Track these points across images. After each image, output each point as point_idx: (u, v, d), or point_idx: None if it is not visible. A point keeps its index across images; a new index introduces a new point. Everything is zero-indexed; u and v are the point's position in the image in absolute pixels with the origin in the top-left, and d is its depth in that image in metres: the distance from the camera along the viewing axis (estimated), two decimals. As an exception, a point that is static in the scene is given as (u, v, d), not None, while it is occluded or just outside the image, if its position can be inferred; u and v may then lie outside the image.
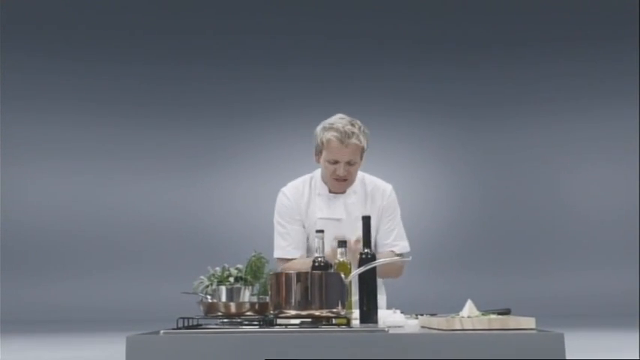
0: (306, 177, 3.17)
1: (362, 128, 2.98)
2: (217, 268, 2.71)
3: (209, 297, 2.60)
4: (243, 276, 2.67)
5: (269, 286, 2.40)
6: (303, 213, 3.09)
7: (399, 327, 2.55)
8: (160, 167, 14.72)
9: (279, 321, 2.34)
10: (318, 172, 3.17)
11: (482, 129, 15.28)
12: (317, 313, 2.30)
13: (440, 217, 17.14)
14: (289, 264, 3.07)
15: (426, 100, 14.46)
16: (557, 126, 15.21)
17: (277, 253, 3.11)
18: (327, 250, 2.78)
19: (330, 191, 3.11)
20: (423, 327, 2.52)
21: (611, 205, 16.87)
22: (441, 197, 16.31)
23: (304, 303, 2.30)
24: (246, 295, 2.62)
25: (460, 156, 15.39)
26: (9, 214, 16.05)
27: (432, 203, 16.32)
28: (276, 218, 3.15)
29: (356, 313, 2.58)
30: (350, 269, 2.63)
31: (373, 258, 2.66)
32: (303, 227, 3.10)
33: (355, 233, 3.01)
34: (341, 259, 2.65)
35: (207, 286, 2.64)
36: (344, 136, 2.92)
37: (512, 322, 2.34)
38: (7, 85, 13.53)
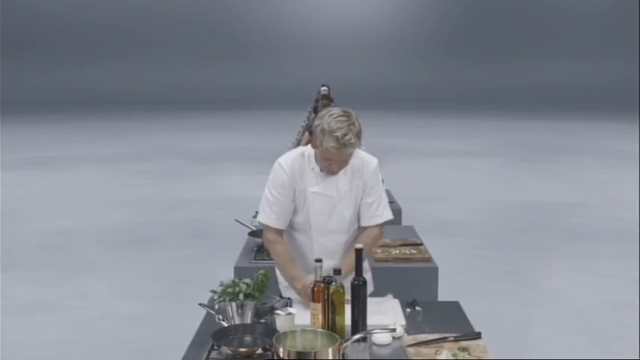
0: (301, 150, 3.35)
1: (358, 132, 3.11)
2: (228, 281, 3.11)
3: (221, 317, 3.05)
4: (251, 292, 3.07)
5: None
6: (298, 184, 3.33)
7: (385, 345, 3.00)
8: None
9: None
10: (311, 149, 3.33)
11: None
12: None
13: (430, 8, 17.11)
14: (276, 248, 3.39)
15: None
16: None
17: (261, 218, 3.43)
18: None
19: (322, 170, 3.34)
20: (406, 347, 2.96)
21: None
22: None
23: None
24: (252, 308, 3.07)
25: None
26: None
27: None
28: (269, 186, 3.39)
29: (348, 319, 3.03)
30: (344, 293, 2.99)
31: (364, 284, 2.99)
32: (293, 202, 3.35)
33: (347, 207, 3.32)
34: (334, 285, 3.00)
35: (221, 301, 3.07)
36: (341, 146, 3.10)
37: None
38: None
